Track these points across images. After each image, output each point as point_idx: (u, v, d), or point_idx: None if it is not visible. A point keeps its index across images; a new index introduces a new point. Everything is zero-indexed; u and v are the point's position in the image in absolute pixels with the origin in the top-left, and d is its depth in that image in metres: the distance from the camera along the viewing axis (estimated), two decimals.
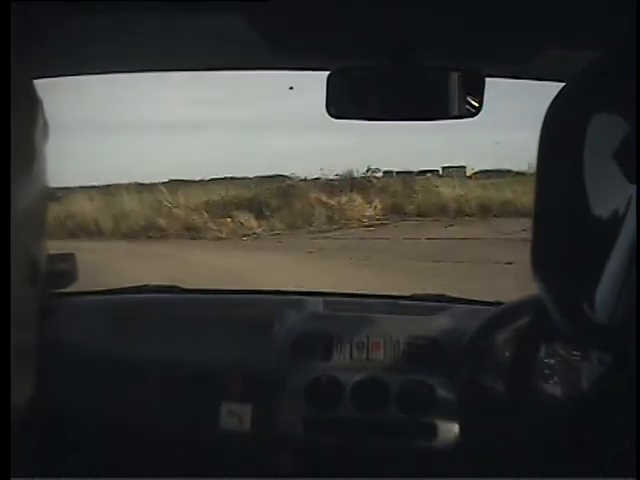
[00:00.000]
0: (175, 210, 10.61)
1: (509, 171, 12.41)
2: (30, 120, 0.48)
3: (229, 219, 10.42)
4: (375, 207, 10.85)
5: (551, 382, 1.10)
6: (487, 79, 1.14)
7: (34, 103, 0.49)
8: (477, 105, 1.14)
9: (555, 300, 0.64)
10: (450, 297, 1.83)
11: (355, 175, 11.59)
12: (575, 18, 0.94)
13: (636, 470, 0.54)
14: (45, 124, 0.50)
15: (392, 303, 1.79)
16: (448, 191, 11.10)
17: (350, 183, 11.37)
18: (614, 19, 0.75)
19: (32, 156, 0.47)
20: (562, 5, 0.91)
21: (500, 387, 1.29)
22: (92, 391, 1.44)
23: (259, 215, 10.54)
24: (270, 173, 11.95)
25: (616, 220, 0.54)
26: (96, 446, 1.42)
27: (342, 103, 1.16)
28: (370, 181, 11.53)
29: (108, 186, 11.34)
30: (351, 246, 8.89)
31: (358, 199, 10.92)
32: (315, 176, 11.58)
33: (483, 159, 14.80)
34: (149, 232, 10.28)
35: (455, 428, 1.35)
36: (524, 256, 0.62)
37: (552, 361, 1.08)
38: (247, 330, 1.61)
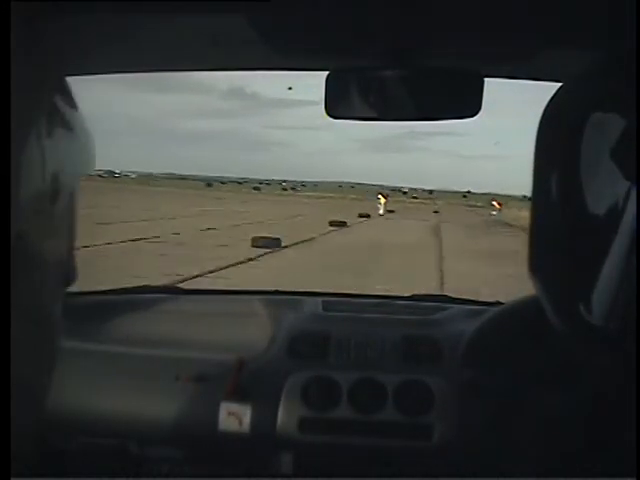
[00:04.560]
0: None
1: None
2: (58, 121, 0.47)
3: None
4: None
5: (550, 383, 1.10)
6: (486, 79, 1.14)
7: (63, 104, 0.48)
8: (476, 105, 1.15)
9: (552, 301, 0.64)
10: (449, 297, 1.84)
11: None
12: (575, 18, 0.94)
13: (636, 470, 0.54)
14: (83, 130, 0.48)
15: (391, 303, 1.79)
16: None
17: None
18: (614, 19, 0.75)
19: (59, 156, 0.46)
20: (561, 5, 0.91)
21: (499, 387, 1.29)
22: (91, 391, 1.43)
23: None
24: None
25: (614, 220, 0.54)
26: (96, 446, 1.41)
27: (342, 103, 1.16)
28: None
29: None
30: None
31: None
32: None
33: None
34: None
35: (454, 428, 1.35)
36: None
37: (551, 362, 1.07)
38: (246, 330, 1.61)
